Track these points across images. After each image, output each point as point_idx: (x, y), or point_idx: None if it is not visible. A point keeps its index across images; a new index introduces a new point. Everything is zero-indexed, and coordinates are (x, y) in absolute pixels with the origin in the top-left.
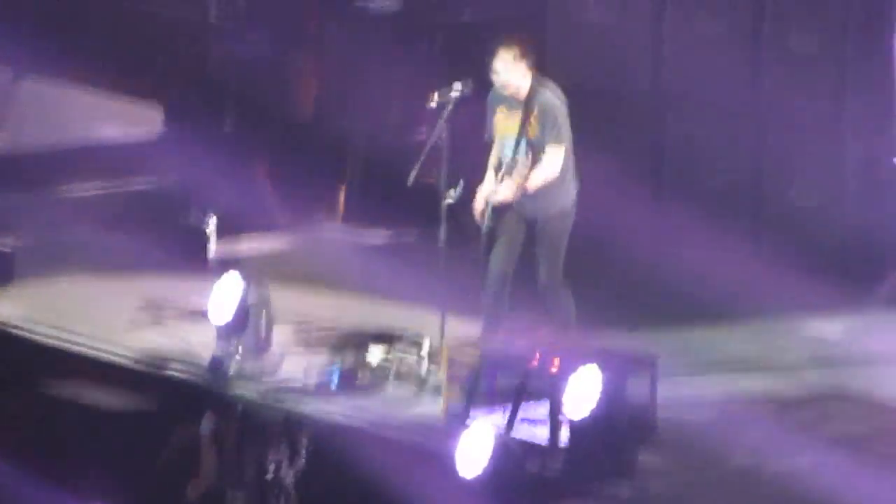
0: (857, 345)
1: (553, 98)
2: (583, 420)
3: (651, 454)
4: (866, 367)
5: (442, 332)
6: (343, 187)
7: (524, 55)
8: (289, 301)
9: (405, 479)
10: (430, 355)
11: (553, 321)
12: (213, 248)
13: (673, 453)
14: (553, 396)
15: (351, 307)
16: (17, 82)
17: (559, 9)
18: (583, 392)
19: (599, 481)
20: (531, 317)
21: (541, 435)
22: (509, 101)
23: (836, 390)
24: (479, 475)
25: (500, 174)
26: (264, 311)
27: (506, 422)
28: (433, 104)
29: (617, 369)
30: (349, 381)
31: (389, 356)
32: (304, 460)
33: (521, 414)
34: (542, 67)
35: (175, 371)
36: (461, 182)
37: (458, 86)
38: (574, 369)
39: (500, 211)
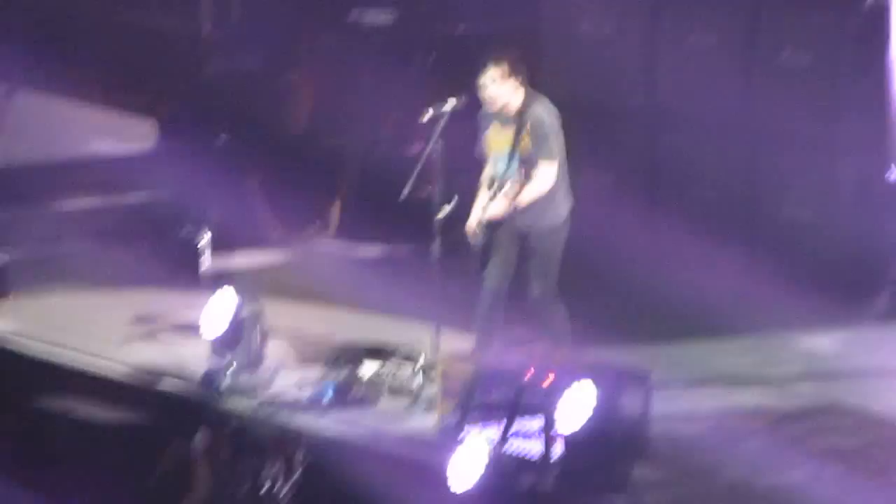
0: (850, 359)
1: (545, 113)
2: (576, 434)
3: (645, 468)
4: (860, 381)
5: (436, 346)
6: (337, 201)
7: (514, 71)
8: (282, 315)
9: (399, 494)
10: (424, 370)
11: (547, 336)
12: (206, 262)
13: (667, 467)
14: (546, 411)
15: (344, 321)
16: (10, 96)
17: (553, 22)
18: (576, 406)
19: (593, 496)
20: (525, 332)
21: (534, 449)
22: (502, 117)
23: (830, 404)
24: (472, 489)
25: (492, 190)
26: (257, 325)
27: (499, 436)
28: (427, 118)
29: (611, 384)
30: (343, 396)
31: (383, 370)
32: (298, 475)
33: (514, 428)
34: (536, 80)
35: (168, 385)
36: (455, 197)
37: (451, 101)
38: (568, 384)
39: (492, 227)
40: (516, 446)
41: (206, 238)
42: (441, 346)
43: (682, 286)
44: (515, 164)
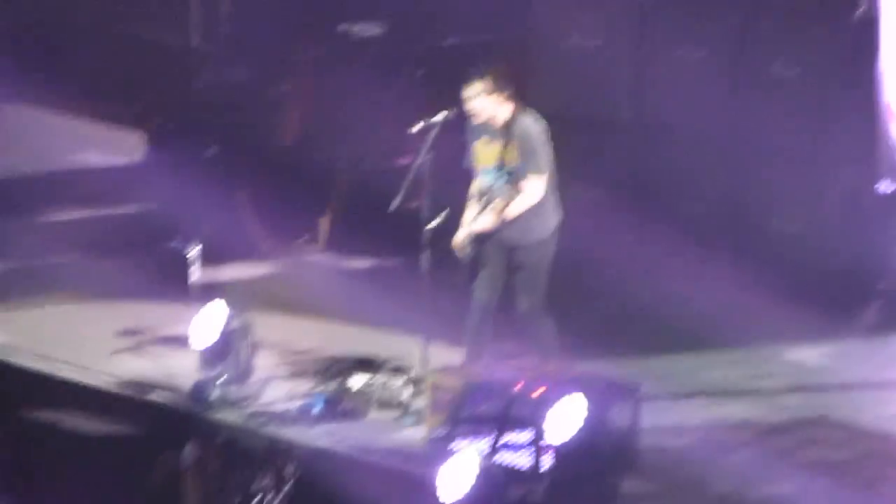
0: (839, 371)
1: (532, 126)
2: (566, 446)
3: (634, 481)
4: (848, 394)
5: (425, 358)
6: (327, 213)
7: (499, 87)
8: (272, 327)
9: None
10: (413, 382)
11: (535, 350)
12: (195, 274)
13: (655, 480)
14: (536, 423)
15: (334, 334)
16: None
17: (543, 35)
18: (566, 419)
19: None
20: (515, 345)
21: (524, 461)
22: (489, 130)
23: (818, 417)
24: (461, 501)
25: (480, 205)
26: (247, 337)
27: (489, 448)
28: (417, 130)
29: (600, 396)
30: (332, 408)
31: (372, 383)
32: (288, 487)
33: (504, 440)
34: (525, 93)
35: (157, 397)
36: (447, 209)
37: (442, 113)
38: (558, 397)
39: (481, 240)
40: (506, 458)
41: (195, 250)
42: (430, 358)
43: (670, 299)
44: (503, 177)
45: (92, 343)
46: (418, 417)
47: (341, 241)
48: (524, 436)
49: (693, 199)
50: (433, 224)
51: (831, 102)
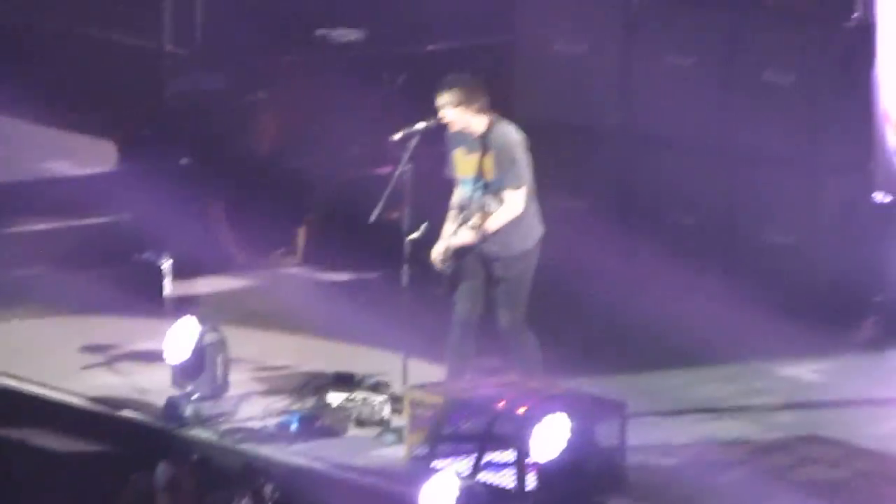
0: (833, 388)
1: (509, 137)
2: (550, 465)
3: (620, 501)
4: (843, 412)
5: (405, 374)
6: (304, 225)
7: (467, 100)
8: (247, 342)
9: None
10: (394, 399)
11: (519, 366)
12: (168, 288)
13: (643, 500)
14: (519, 442)
15: (312, 349)
16: None
17: (527, 41)
18: (550, 437)
19: None
20: (497, 361)
21: (507, 481)
22: (467, 140)
23: (812, 435)
24: None
25: (457, 221)
26: (222, 352)
27: (471, 466)
28: (397, 139)
29: (585, 414)
30: (310, 425)
31: (351, 399)
32: None
33: (486, 459)
34: (505, 101)
35: (129, 414)
36: (426, 223)
37: (423, 121)
38: (542, 415)
39: (461, 253)
40: (489, 478)
41: (168, 263)
42: (411, 374)
43: (658, 313)
44: (481, 188)
45: (61, 358)
46: (398, 435)
47: (319, 254)
48: (507, 455)
49: (683, 211)
50: (414, 236)
51: (826, 110)
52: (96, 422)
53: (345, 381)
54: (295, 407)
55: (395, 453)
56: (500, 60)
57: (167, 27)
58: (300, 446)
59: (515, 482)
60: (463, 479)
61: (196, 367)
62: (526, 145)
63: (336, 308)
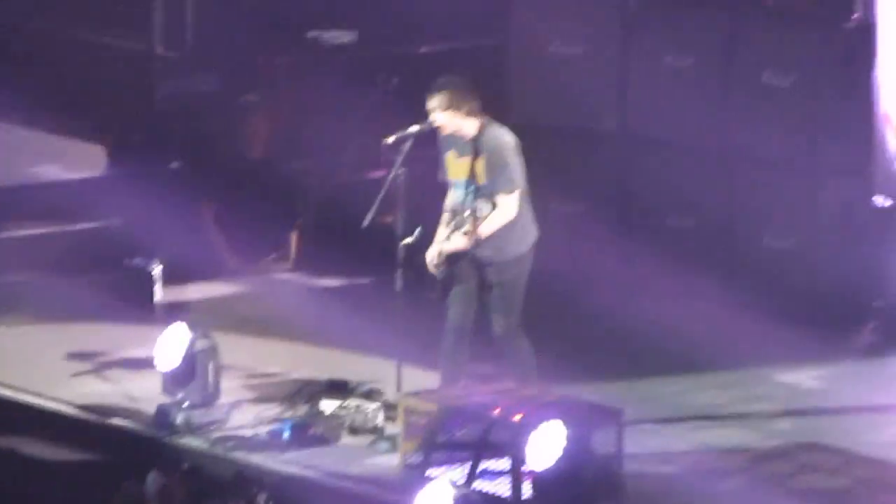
0: (833, 395)
1: (501, 141)
2: (546, 473)
3: None
4: (843, 419)
5: (398, 381)
6: (296, 230)
7: (455, 104)
8: (239, 349)
9: None
10: (387, 406)
11: (513, 372)
12: (158, 294)
13: None
14: (515, 449)
15: (304, 355)
16: None
17: (522, 42)
18: (546, 445)
19: None
20: (492, 367)
21: (502, 489)
22: (459, 143)
23: (812, 442)
24: None
25: (450, 227)
26: (213, 359)
27: (466, 475)
28: (391, 142)
29: (581, 422)
30: (303, 433)
31: (345, 406)
32: None
33: (481, 467)
34: (504, 102)
35: (119, 422)
36: (420, 228)
37: (416, 124)
38: (538, 422)
39: (454, 258)
40: (484, 486)
41: (158, 269)
42: (405, 382)
43: (656, 318)
44: (473, 192)
45: (50, 365)
46: (392, 443)
47: (312, 259)
48: (503, 463)
49: (680, 214)
50: (408, 240)
51: (826, 112)
52: (86, 430)
53: (338, 388)
54: (287, 415)
55: (388, 462)
56: (495, 62)
57: (157, 29)
58: (292, 454)
59: (511, 491)
60: (458, 487)
61: (187, 374)
62: (519, 148)
63: (329, 314)
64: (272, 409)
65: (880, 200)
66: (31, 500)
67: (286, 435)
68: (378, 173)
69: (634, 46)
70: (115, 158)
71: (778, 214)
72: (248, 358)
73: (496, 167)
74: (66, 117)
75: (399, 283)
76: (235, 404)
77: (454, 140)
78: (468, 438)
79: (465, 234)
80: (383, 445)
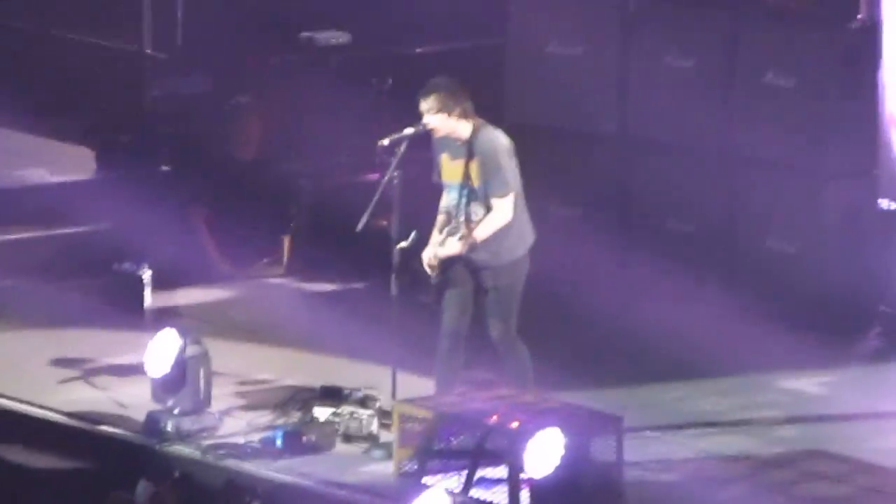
0: (837, 401)
1: (494, 144)
2: (544, 481)
3: None
4: (847, 426)
5: (393, 388)
6: (289, 234)
7: (446, 106)
8: (231, 355)
9: None
10: (382, 413)
11: (511, 378)
12: (147, 299)
13: None
14: (512, 456)
15: (297, 361)
16: None
17: (520, 42)
18: (544, 453)
19: None
20: (489, 373)
21: (499, 498)
22: (452, 146)
23: (815, 450)
24: None
25: (444, 233)
26: (204, 365)
27: (463, 483)
28: (385, 144)
29: (580, 429)
30: (295, 440)
31: (338, 413)
32: None
33: (478, 474)
34: (500, 104)
35: (108, 429)
36: (415, 232)
37: (411, 126)
38: (535, 430)
39: (448, 262)
40: (480, 494)
41: (148, 274)
42: (399, 388)
43: (656, 324)
44: (466, 195)
45: (38, 372)
46: (387, 451)
47: (305, 263)
48: (499, 471)
49: (681, 217)
50: (403, 244)
51: (829, 113)
52: (74, 437)
53: (331, 394)
54: (280, 422)
55: (383, 469)
56: (492, 62)
57: (147, 29)
58: (285, 462)
59: (508, 499)
60: (454, 495)
61: (177, 380)
62: (513, 151)
63: (322, 319)
64: (264, 417)
65: (885, 203)
66: None
67: (279, 442)
68: (372, 176)
69: (634, 46)
70: (103, 161)
71: (781, 217)
72: (240, 364)
73: (490, 170)
74: (53, 119)
75: (394, 288)
76: (227, 411)
77: (447, 142)
78: (464, 446)
79: (461, 238)
80: (378, 453)
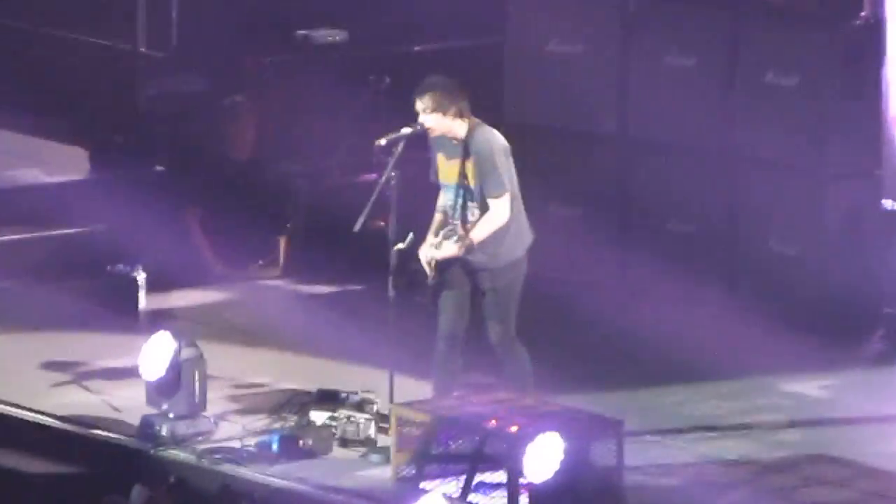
0: (840, 405)
1: (491, 142)
2: (544, 486)
3: None
4: (850, 430)
5: (391, 391)
6: (285, 235)
7: (440, 105)
8: (226, 358)
9: None
10: (379, 417)
11: (509, 382)
12: (143, 300)
13: None
14: (511, 461)
15: (293, 365)
16: None
17: (518, 41)
18: (543, 457)
19: None
20: (487, 376)
21: (498, 502)
22: (448, 145)
23: (818, 454)
24: None
25: (440, 235)
26: (198, 369)
27: (461, 487)
28: (382, 144)
29: (580, 433)
30: (291, 445)
31: (335, 417)
32: None
33: (477, 479)
34: (492, 104)
35: (102, 433)
36: (412, 234)
37: (408, 126)
38: (535, 434)
39: (445, 264)
40: (479, 500)
41: (142, 276)
42: (397, 392)
43: (657, 326)
44: (462, 195)
45: (31, 375)
46: (385, 455)
47: (301, 265)
48: (498, 475)
49: (682, 218)
50: (400, 246)
51: (832, 113)
52: (68, 441)
53: (328, 398)
54: (276, 426)
55: (381, 474)
56: (491, 62)
57: (141, 28)
58: (281, 467)
59: None
60: (452, 500)
61: (172, 384)
62: (509, 151)
63: (319, 322)
64: (260, 421)
65: (889, 203)
66: None
67: (275, 447)
68: (369, 176)
69: (634, 46)
70: (97, 161)
71: (782, 218)
72: (236, 367)
73: (485, 170)
74: (46, 119)
75: (392, 290)
76: (222, 415)
77: (443, 142)
78: (463, 450)
79: (458, 240)
80: (375, 457)
